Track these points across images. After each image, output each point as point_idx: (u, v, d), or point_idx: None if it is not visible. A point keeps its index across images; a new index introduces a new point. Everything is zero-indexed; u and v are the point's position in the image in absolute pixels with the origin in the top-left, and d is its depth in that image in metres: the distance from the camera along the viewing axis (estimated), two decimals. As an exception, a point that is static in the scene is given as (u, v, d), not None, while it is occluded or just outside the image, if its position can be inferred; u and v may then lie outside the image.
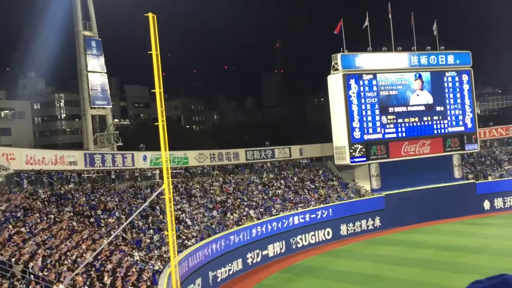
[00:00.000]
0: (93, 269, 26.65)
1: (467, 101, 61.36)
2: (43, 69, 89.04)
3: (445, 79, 60.63)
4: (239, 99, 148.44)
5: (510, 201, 59.98)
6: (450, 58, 61.12)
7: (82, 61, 54.30)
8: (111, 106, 58.43)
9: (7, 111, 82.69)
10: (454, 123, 60.54)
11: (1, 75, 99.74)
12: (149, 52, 19.91)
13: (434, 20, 61.74)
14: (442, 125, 60.00)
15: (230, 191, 50.47)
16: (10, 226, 27.59)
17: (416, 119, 58.94)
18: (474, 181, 60.88)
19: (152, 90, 20.32)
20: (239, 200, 49.04)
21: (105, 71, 56.16)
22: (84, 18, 54.72)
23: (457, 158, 61.33)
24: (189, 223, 41.43)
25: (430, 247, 45.38)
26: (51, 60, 76.93)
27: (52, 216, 32.47)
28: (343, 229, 52.34)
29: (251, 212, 47.22)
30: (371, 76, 56.93)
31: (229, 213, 45.87)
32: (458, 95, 61.06)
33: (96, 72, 55.13)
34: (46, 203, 35.00)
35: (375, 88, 57.05)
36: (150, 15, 19.76)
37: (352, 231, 52.84)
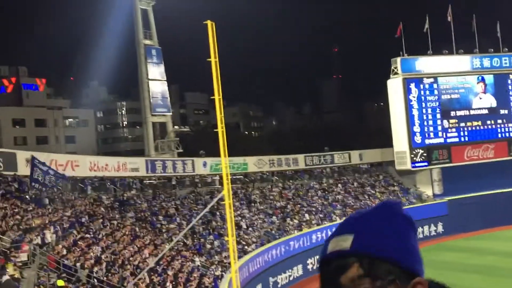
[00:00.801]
0: (155, 274, 27.02)
1: (532, 104, 59.67)
2: (105, 78, 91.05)
3: (509, 81, 59.16)
4: (297, 104, 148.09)
5: None
6: (514, 60, 59.59)
7: (143, 69, 55.26)
8: (171, 113, 59.25)
9: (72, 120, 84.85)
10: (519, 126, 58.92)
11: (65, 84, 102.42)
12: (208, 60, 20.10)
13: (497, 21, 60.37)
14: (507, 129, 58.53)
15: (290, 197, 50.41)
16: (75, 232, 28.26)
17: (479, 122, 57.67)
18: (541, 185, 59.01)
19: (211, 97, 20.51)
20: (299, 205, 48.92)
21: (165, 79, 57.02)
22: (144, 27, 55.73)
23: (523, 162, 59.64)
24: (249, 229, 41.57)
25: (495, 253, 44.22)
26: (113, 69, 78.65)
27: (115, 222, 33.11)
28: (405, 235, 51.44)
29: (311, 217, 47.05)
30: (432, 79, 56.05)
31: (288, 218, 45.81)
32: (523, 97, 59.44)
33: (156, 80, 56.02)
34: (109, 209, 35.72)
35: (436, 92, 56.15)
36: (208, 22, 19.96)
37: (414, 237, 51.90)
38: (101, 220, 32.10)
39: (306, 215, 47.29)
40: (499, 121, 58.43)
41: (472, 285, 35.73)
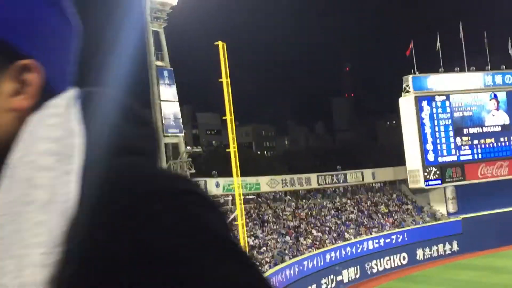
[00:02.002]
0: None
1: (546, 120, 59.33)
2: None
3: (522, 98, 58.90)
4: (309, 123, 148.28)
5: None
6: (527, 77, 59.38)
7: (155, 90, 55.48)
8: (183, 134, 59.37)
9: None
10: (533, 143, 58.57)
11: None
12: (219, 80, 20.14)
13: (508, 38, 60.25)
14: (520, 146, 58.20)
15: (303, 216, 50.23)
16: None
17: (492, 140, 57.39)
18: (557, 203, 58.44)
19: (223, 117, 20.53)
20: (312, 225, 48.73)
21: (177, 100, 57.24)
22: (156, 48, 56.07)
23: (538, 179, 59.19)
24: (262, 249, 41.37)
25: (511, 272, 43.74)
26: (125, 90, 78.99)
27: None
28: (419, 254, 51.16)
29: (325, 237, 46.83)
30: (444, 97, 55.92)
31: (302, 238, 45.61)
32: (536, 114, 59.15)
33: (168, 101, 56.23)
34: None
35: (448, 110, 55.99)
36: (219, 43, 20.02)
37: (429, 255, 51.60)
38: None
39: (320, 234, 47.08)
40: (513, 138, 58.12)
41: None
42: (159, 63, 56.04)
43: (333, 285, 43.57)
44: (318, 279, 42.18)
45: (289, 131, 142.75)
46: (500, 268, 45.66)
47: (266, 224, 46.58)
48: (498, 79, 58.40)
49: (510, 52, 60.10)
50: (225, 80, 19.78)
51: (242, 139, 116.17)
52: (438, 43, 57.40)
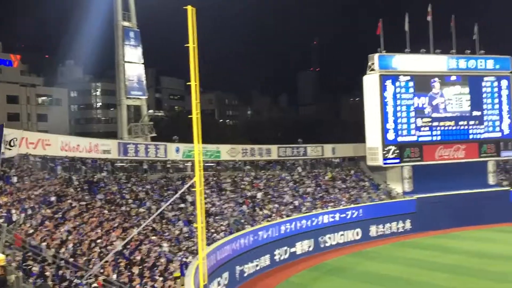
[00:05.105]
0: (122, 257, 26.88)
1: (505, 107, 60.34)
2: (81, 58, 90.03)
3: (483, 84, 59.72)
4: (273, 95, 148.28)
5: (544, 211, 58.72)
6: (490, 63, 60.15)
7: (120, 51, 54.82)
8: (146, 97, 58.90)
9: (45, 98, 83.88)
10: (490, 128, 59.61)
11: (40, 62, 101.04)
12: (186, 45, 19.92)
13: (475, 23, 60.81)
14: (478, 131, 59.17)
15: (261, 187, 50.48)
16: (43, 211, 27.98)
17: (452, 123, 58.23)
18: (509, 188, 59.74)
19: (187, 83, 20.34)
20: (269, 196, 49.02)
21: (142, 62, 56.64)
22: (124, 9, 55.23)
23: (492, 164, 60.38)
24: (218, 216, 41.51)
25: (462, 253, 44.79)
26: (90, 49, 77.77)
27: (84, 203, 32.84)
28: (373, 230, 51.98)
29: (281, 208, 47.16)
30: (408, 77, 56.38)
31: (258, 208, 45.87)
32: (496, 100, 60.09)
33: (133, 63, 55.64)
34: (78, 190, 35.41)
35: (411, 90, 56.52)
36: (189, 8, 19.75)
37: (382, 232, 52.46)
38: (69, 201, 31.81)
39: (276, 205, 47.39)
40: (472, 122, 58.99)
41: (438, 283, 36.15)
42: (126, 23, 55.30)
43: (287, 256, 44.03)
44: (272, 249, 42.58)
45: (252, 101, 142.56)
46: (450, 248, 46.73)
47: (223, 192, 46.72)
48: (462, 63, 59.03)
49: (475, 37, 60.70)
50: (191, 45, 19.57)
51: (205, 106, 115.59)
52: (407, 24, 57.66)
